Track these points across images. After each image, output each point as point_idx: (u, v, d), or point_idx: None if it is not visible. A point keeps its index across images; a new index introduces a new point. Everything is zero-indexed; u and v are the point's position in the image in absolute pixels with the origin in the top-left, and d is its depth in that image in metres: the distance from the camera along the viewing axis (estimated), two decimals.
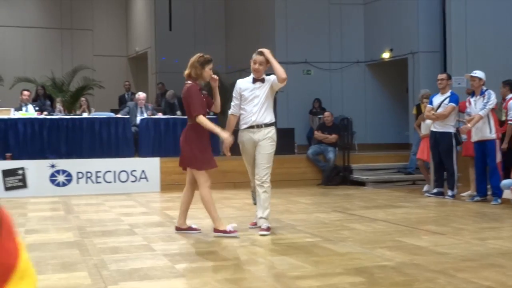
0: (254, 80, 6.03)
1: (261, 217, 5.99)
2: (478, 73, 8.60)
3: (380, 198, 9.27)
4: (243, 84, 6.08)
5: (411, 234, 5.95)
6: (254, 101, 5.97)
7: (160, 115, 11.99)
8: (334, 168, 11.65)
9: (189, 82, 5.87)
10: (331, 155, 11.67)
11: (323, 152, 11.86)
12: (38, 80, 16.29)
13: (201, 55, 5.91)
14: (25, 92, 12.13)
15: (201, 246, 5.42)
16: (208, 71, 5.85)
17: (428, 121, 9.82)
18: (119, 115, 11.52)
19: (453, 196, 9.03)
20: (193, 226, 6.13)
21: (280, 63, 16.09)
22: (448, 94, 9.11)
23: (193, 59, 5.88)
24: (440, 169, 9.24)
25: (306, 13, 15.61)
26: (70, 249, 5.29)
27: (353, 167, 11.80)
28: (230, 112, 6.19)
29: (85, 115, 11.85)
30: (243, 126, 6.04)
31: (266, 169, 5.97)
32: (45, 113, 11.77)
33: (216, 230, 5.82)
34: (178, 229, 6.09)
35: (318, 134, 12.12)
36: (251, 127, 5.97)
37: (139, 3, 20.95)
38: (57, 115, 11.69)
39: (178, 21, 17.86)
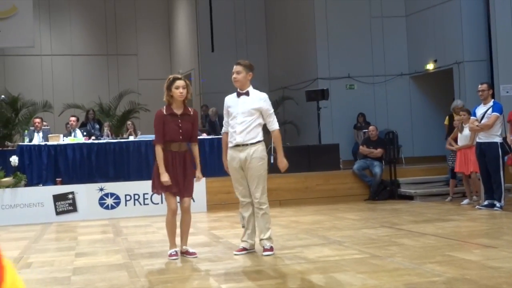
0: (238, 94, 5.89)
1: (262, 239, 5.87)
2: None
3: (429, 212, 9.08)
4: (229, 99, 5.97)
5: (461, 248, 5.80)
6: (238, 118, 5.81)
7: (204, 136, 12.09)
8: (381, 182, 11.49)
9: (160, 108, 5.86)
10: (377, 169, 11.52)
11: (369, 166, 11.72)
12: (86, 106, 16.68)
13: (168, 78, 5.81)
14: (72, 118, 12.45)
15: (248, 266, 5.41)
16: (175, 91, 5.68)
17: (465, 132, 9.66)
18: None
19: (501, 207, 8.78)
20: (190, 250, 6.00)
21: (323, 79, 16.15)
22: (491, 103, 8.94)
23: (164, 86, 5.82)
24: (489, 181, 9.01)
25: (347, 27, 15.56)
26: (119, 271, 5.35)
27: (400, 181, 11.61)
28: (222, 130, 6.09)
29: (131, 138, 12.06)
30: (230, 144, 5.89)
31: (261, 190, 5.79)
32: (93, 137, 12.03)
33: None
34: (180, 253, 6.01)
35: (363, 149, 11.99)
36: (237, 145, 5.81)
37: (182, 26, 21.30)
38: (104, 139, 11.93)
39: (220, 42, 18.06)
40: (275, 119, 5.93)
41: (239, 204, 6.02)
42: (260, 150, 5.83)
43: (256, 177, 5.78)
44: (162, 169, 5.66)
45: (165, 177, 5.63)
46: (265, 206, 5.84)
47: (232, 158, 5.87)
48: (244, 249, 5.99)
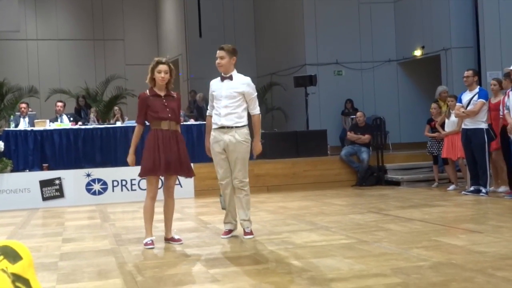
0: (222, 78, 5.93)
1: (243, 220, 6.00)
2: None
3: (415, 198, 9.14)
4: (214, 83, 6.01)
5: (448, 233, 5.85)
6: (221, 101, 5.86)
7: (192, 121, 12.06)
8: (368, 168, 11.54)
9: (145, 91, 5.79)
10: (364, 155, 11.56)
11: (356, 152, 11.76)
12: (72, 91, 16.58)
13: (154, 60, 5.74)
14: (59, 103, 12.34)
15: (235, 251, 5.42)
16: (157, 75, 5.64)
17: (452, 118, 9.72)
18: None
19: (486, 193, 8.86)
20: (176, 237, 5.95)
21: (311, 65, 16.10)
22: (477, 90, 9.00)
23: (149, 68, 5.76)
24: (475, 167, 9.08)
25: (335, 13, 15.53)
26: (106, 257, 5.34)
27: (387, 167, 11.67)
28: (207, 113, 6.15)
29: (118, 124, 12.00)
30: (214, 126, 5.94)
31: (243, 173, 5.87)
32: (80, 123, 11.95)
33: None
34: (165, 239, 5.98)
35: (351, 135, 12.02)
36: (222, 127, 5.86)
37: (169, 11, 21.14)
38: (91, 125, 11.86)
39: (207, 27, 17.97)
40: (257, 104, 5.99)
41: (219, 186, 6.08)
42: (244, 133, 5.89)
43: (240, 160, 5.86)
44: (132, 148, 5.71)
45: (130, 158, 5.71)
46: (246, 188, 5.94)
47: (215, 140, 5.90)
48: (229, 231, 6.12)
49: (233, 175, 5.89)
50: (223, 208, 6.17)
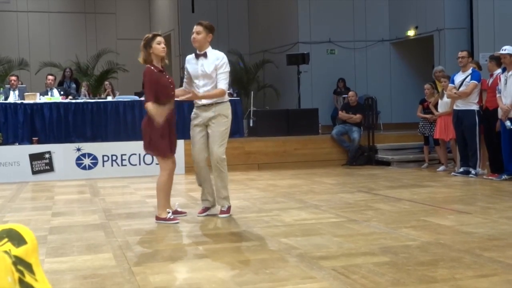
0: (197, 56, 5.85)
1: (220, 198, 5.90)
2: (508, 49, 8.40)
3: (405, 178, 9.19)
4: (189, 60, 5.94)
5: (436, 213, 5.89)
6: (200, 81, 5.79)
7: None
8: (359, 148, 11.56)
9: (148, 65, 5.57)
10: (355, 135, 11.58)
11: (347, 132, 11.78)
12: (63, 65, 16.44)
13: (145, 37, 5.58)
14: (49, 77, 12.23)
15: (225, 227, 5.44)
16: (157, 46, 5.50)
17: (446, 99, 9.74)
18: (143, 98, 11.53)
19: (476, 174, 8.92)
20: (179, 209, 5.99)
21: (304, 43, 15.98)
22: (470, 71, 9.02)
23: (140, 46, 5.56)
24: (466, 148, 9.13)
25: None
26: (96, 231, 5.34)
27: (378, 147, 11.70)
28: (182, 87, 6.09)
29: (109, 98, 11.93)
30: (196, 104, 5.88)
31: (221, 147, 5.77)
32: (70, 97, 11.87)
33: (157, 218, 5.67)
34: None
35: (342, 114, 12.02)
36: (203, 105, 5.79)
37: None
38: (82, 99, 11.78)
39: (200, 2, 17.81)
40: (225, 81, 5.78)
41: (194, 163, 6.00)
42: (225, 108, 5.84)
43: (218, 133, 5.77)
44: (158, 118, 5.41)
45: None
46: (223, 164, 5.82)
47: (196, 115, 5.86)
48: (206, 209, 6.03)
49: (210, 151, 5.80)
50: (200, 185, 6.06)
